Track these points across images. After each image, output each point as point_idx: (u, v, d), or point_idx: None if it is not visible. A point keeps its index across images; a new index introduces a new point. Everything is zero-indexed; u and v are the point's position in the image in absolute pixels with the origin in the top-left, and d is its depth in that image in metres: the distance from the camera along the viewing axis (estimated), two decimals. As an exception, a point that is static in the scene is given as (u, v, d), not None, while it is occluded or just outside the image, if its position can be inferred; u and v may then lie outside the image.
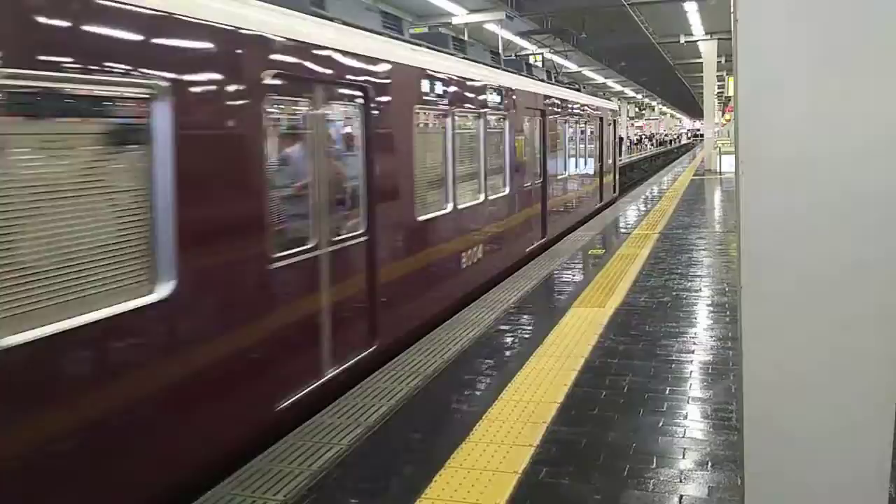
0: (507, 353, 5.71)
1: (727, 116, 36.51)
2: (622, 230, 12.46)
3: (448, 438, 4.11)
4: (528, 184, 10.48)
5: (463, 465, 3.79)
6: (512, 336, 6.16)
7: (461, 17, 21.60)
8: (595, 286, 7.85)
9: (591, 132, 15.77)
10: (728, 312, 6.60)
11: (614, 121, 19.26)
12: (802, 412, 2.36)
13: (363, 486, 3.65)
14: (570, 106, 13.60)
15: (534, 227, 10.79)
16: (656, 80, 50.30)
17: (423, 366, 5.35)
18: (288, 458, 3.92)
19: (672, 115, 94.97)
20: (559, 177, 12.58)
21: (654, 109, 78.62)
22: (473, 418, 4.38)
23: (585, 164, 14.98)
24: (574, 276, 8.67)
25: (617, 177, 19.62)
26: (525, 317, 6.80)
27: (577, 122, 14.11)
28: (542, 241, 11.15)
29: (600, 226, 13.12)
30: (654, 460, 3.76)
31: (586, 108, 15.27)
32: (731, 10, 2.42)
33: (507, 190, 9.44)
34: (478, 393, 4.88)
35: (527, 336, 6.13)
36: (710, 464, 3.72)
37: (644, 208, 15.97)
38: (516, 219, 9.80)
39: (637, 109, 67.73)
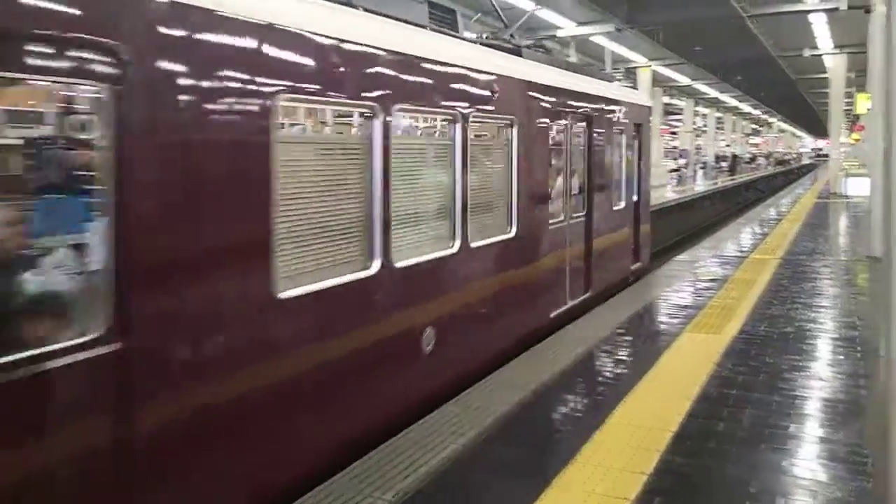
0: (616, 375, 5.58)
1: (855, 136, 34.16)
2: (738, 253, 11.89)
3: (554, 458, 4.06)
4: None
5: (570, 486, 3.72)
6: (620, 358, 6.01)
7: (568, 29, 21.43)
8: (710, 311, 7.54)
9: (561, 147, 7.74)
10: (858, 348, 6.15)
11: (638, 126, 10.34)
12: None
13: (468, 497, 3.67)
14: (449, 83, 5.47)
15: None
16: (775, 96, 47.86)
17: (528, 381, 5.31)
18: (395, 461, 3.99)
19: (793, 133, 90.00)
20: (395, 267, 4.73)
21: (771, 126, 74.81)
22: (580, 439, 4.30)
23: (529, 217, 6.71)
24: (686, 299, 8.35)
25: (641, 230, 10.50)
26: (634, 338, 6.61)
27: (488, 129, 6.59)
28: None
29: (715, 247, 12.59)
30: (777, 501, 3.55)
31: (537, 94, 6.89)
32: (886, 22, 2.27)
33: None
34: (584, 414, 4.79)
35: (636, 359, 5.96)
36: (840, 511, 3.47)
37: (761, 231, 15.19)
38: None
39: (754, 126, 64.65)
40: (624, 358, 6.00)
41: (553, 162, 7.50)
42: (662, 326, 7.07)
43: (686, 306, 7.90)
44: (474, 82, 5.78)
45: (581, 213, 8.18)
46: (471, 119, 5.64)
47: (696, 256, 11.57)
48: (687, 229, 21.89)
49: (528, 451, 4.20)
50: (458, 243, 5.53)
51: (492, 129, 6.59)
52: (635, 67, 29.92)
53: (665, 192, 26.36)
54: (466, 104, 5.59)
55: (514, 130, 6.42)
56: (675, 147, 51.42)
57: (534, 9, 18.49)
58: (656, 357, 5.90)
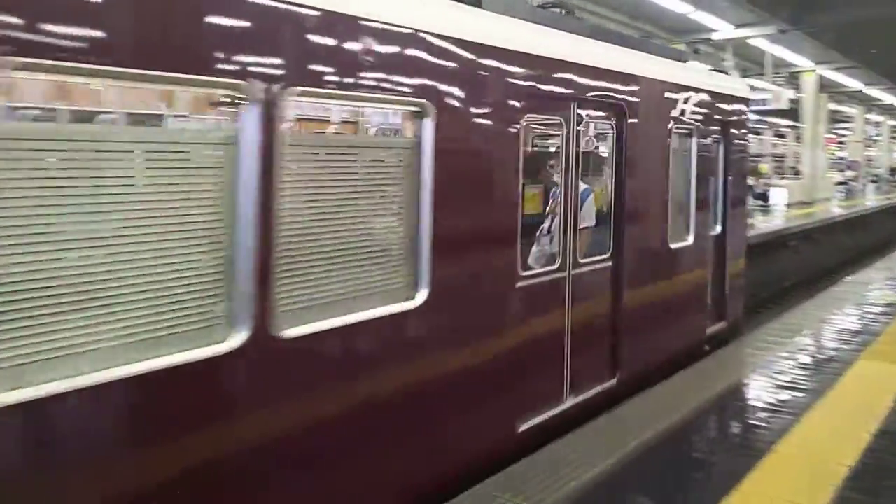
0: (781, 402, 5.23)
1: None
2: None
3: (715, 486, 3.88)
4: None
5: (733, 516, 3.56)
6: (785, 384, 5.63)
7: (725, 32, 20.29)
8: (887, 338, 6.88)
9: (558, 154, 5.18)
10: None
11: (725, 124, 7.46)
12: None
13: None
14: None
15: None
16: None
17: (678, 404, 5.09)
18: (532, 480, 3.92)
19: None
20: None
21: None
22: (741, 469, 4.08)
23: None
24: (858, 324, 7.66)
25: (728, 275, 7.68)
26: (799, 363, 6.16)
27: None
28: None
29: (890, 268, 11.44)
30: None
31: (494, 65, 4.27)
32: None
33: None
34: (743, 441, 4.54)
35: (803, 386, 5.55)
36: None
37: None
38: None
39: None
40: (789, 384, 5.61)
41: (548, 176, 5.34)
42: (832, 353, 6.53)
43: (859, 332, 7.25)
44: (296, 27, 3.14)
45: (603, 257, 5.47)
46: (286, 96, 3.07)
47: (869, 278, 10.58)
48: (856, 247, 20.07)
49: (685, 477, 4.05)
50: (242, 336, 2.92)
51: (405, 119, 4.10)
52: (798, 72, 27.89)
53: (831, 207, 24.35)
54: (267, 68, 3.01)
55: (428, 123, 3.82)
56: (841, 158, 47.32)
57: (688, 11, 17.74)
58: (827, 386, 5.48)
